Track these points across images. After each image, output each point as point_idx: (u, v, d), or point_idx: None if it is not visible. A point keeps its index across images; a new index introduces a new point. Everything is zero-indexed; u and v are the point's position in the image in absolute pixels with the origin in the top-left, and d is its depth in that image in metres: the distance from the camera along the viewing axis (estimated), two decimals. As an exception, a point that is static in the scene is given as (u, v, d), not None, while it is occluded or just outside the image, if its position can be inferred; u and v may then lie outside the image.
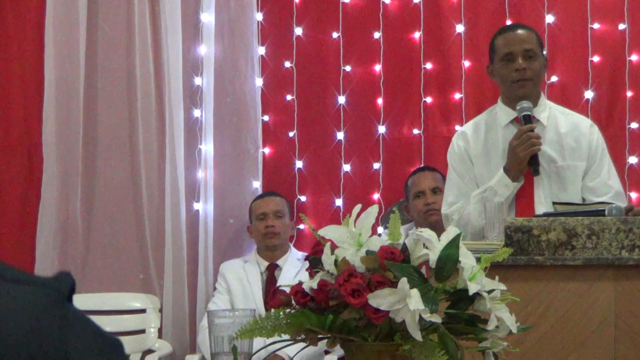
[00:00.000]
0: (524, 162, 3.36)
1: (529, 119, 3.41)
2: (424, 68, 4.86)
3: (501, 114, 3.53)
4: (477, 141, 3.55)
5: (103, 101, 4.81)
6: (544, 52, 3.56)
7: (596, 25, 4.78)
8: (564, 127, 3.52)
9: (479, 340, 1.92)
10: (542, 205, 3.39)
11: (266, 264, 4.57)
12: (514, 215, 3.34)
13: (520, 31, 3.52)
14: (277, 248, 4.56)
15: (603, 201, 3.37)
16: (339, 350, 2.61)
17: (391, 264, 1.85)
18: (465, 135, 3.59)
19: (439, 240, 1.93)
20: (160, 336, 4.69)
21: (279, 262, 4.56)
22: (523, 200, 3.39)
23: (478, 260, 1.93)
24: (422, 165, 4.75)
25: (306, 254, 2.07)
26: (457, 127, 4.62)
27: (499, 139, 3.49)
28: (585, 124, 3.56)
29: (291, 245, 4.68)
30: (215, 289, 4.65)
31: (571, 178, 3.45)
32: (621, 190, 3.51)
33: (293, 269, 4.39)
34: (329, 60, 4.90)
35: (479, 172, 3.51)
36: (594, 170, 3.46)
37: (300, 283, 1.92)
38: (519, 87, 3.46)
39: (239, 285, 4.52)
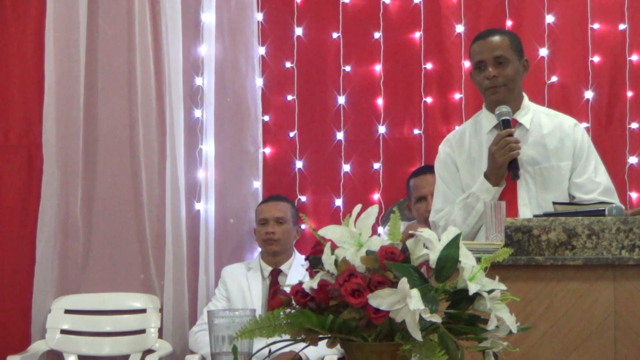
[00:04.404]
0: (503, 167, 3.36)
1: (507, 124, 3.40)
2: (424, 68, 4.86)
3: (485, 120, 3.53)
4: (462, 148, 3.55)
5: (103, 101, 4.82)
6: (522, 56, 3.51)
7: (596, 26, 4.78)
8: (548, 128, 3.50)
9: (479, 340, 1.92)
10: (525, 207, 3.39)
11: (269, 269, 4.56)
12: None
13: (491, 38, 3.48)
14: (278, 254, 4.56)
15: (592, 197, 3.37)
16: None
17: (391, 264, 1.85)
18: (450, 142, 3.60)
19: (439, 240, 1.93)
20: (160, 336, 4.70)
21: (282, 268, 4.55)
22: (507, 203, 3.36)
23: (478, 260, 1.94)
24: (423, 164, 4.75)
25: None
26: (457, 127, 4.62)
27: (483, 145, 3.48)
28: (569, 123, 3.55)
29: (295, 249, 4.67)
30: (214, 292, 4.64)
31: (556, 178, 3.44)
32: (610, 186, 3.48)
33: (297, 276, 4.36)
34: (329, 60, 4.90)
35: (465, 179, 3.51)
36: (580, 167, 3.45)
37: (301, 283, 1.92)
38: (492, 93, 3.45)
39: (239, 293, 4.51)
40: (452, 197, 3.49)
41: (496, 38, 3.48)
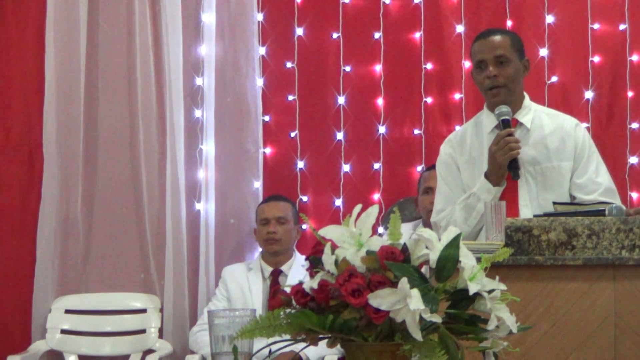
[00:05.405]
0: (504, 166, 3.35)
1: (507, 124, 3.39)
2: (425, 68, 4.86)
3: (486, 120, 3.52)
4: (463, 148, 3.54)
5: (103, 101, 4.82)
6: (523, 56, 3.51)
7: (596, 26, 4.78)
8: (549, 128, 3.49)
9: (479, 340, 1.92)
10: (527, 207, 3.38)
11: (270, 269, 4.56)
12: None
13: (492, 37, 3.46)
14: (279, 254, 4.56)
15: (593, 198, 3.36)
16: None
17: (391, 264, 1.85)
18: (452, 143, 3.59)
19: (439, 240, 1.93)
20: (160, 336, 4.69)
21: (282, 268, 4.55)
22: (507, 203, 3.34)
23: (478, 260, 1.94)
24: (423, 164, 4.76)
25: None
26: (457, 127, 4.62)
27: (484, 145, 3.47)
28: (570, 123, 3.53)
29: (295, 250, 4.67)
30: (215, 292, 4.64)
31: (557, 179, 3.43)
32: (612, 186, 3.46)
33: (298, 277, 4.35)
34: (329, 60, 4.90)
35: (466, 179, 3.50)
36: (581, 168, 3.44)
37: (301, 283, 1.92)
38: (492, 95, 3.44)
39: (240, 292, 4.51)
40: (454, 198, 3.48)
41: (497, 37, 3.47)
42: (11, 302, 4.78)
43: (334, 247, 1.93)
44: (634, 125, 4.74)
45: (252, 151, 4.87)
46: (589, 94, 4.76)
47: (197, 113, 4.86)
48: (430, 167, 4.56)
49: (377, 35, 4.88)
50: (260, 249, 4.72)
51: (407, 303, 1.78)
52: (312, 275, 1.95)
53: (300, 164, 4.89)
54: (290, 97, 4.91)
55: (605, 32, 4.78)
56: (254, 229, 4.72)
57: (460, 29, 4.83)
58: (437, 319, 1.80)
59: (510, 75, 3.43)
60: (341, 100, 4.88)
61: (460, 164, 3.53)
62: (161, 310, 4.72)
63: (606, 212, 2.90)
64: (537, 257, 2.78)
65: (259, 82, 4.90)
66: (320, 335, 1.87)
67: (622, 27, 4.77)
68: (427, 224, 4.07)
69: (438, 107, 4.86)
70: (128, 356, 4.65)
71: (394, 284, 1.82)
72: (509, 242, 2.78)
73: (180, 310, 4.70)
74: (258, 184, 4.87)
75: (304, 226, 4.73)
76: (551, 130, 3.49)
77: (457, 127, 4.61)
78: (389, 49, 4.88)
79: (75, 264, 4.77)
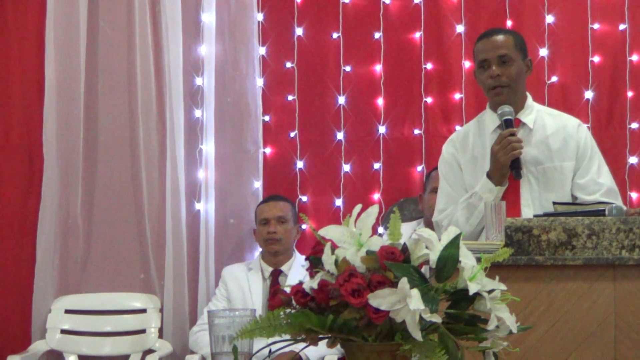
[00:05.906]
0: (506, 166, 3.35)
1: (510, 123, 3.40)
2: (425, 68, 4.86)
3: (488, 120, 3.52)
4: (465, 148, 3.54)
5: (103, 101, 4.82)
6: (526, 55, 3.52)
7: (596, 25, 4.78)
8: (551, 128, 3.49)
9: (479, 340, 1.92)
10: (528, 207, 3.38)
11: (270, 269, 4.56)
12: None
13: (495, 37, 3.47)
14: (280, 254, 4.56)
15: (594, 199, 3.36)
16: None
17: (391, 264, 1.85)
18: (454, 142, 3.59)
19: (439, 240, 1.93)
20: (160, 336, 4.69)
21: (282, 268, 4.55)
22: (509, 202, 3.35)
23: (478, 260, 1.94)
24: (424, 163, 4.76)
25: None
26: (458, 127, 4.63)
27: (486, 145, 3.48)
28: (572, 123, 3.54)
29: (295, 250, 4.67)
30: (215, 292, 4.64)
31: (559, 179, 3.43)
32: (613, 187, 3.47)
33: (298, 277, 4.35)
34: (329, 60, 4.90)
35: (468, 179, 3.50)
36: (583, 168, 3.44)
37: (301, 283, 1.92)
38: (495, 95, 3.45)
39: (240, 293, 4.51)
40: (456, 197, 3.49)
41: (500, 37, 3.48)
42: (11, 302, 4.78)
43: (334, 247, 1.93)
44: (634, 125, 4.74)
45: (252, 151, 4.87)
46: (589, 94, 4.76)
47: (197, 113, 4.86)
48: None
49: (377, 35, 4.88)
50: (260, 249, 4.72)
51: (407, 303, 1.78)
52: (312, 275, 1.95)
53: (300, 164, 4.89)
54: (290, 97, 4.91)
55: (605, 32, 4.78)
56: (254, 229, 4.72)
57: (460, 29, 4.83)
58: (437, 319, 1.80)
59: (513, 74, 3.43)
60: (341, 100, 4.88)
61: (463, 164, 3.53)
62: (161, 310, 4.72)
63: (606, 212, 2.90)
64: (537, 257, 2.78)
65: (259, 82, 4.90)
66: (320, 335, 1.87)
67: (622, 27, 4.77)
68: (431, 223, 4.08)
69: (438, 107, 4.86)
70: (128, 356, 4.65)
71: (394, 284, 1.82)
72: (509, 242, 2.78)
73: (180, 310, 4.70)
74: (258, 184, 4.87)
75: (304, 226, 4.73)
76: (553, 131, 3.49)
77: (458, 127, 4.62)
78: (389, 49, 4.88)
79: (75, 264, 4.76)
